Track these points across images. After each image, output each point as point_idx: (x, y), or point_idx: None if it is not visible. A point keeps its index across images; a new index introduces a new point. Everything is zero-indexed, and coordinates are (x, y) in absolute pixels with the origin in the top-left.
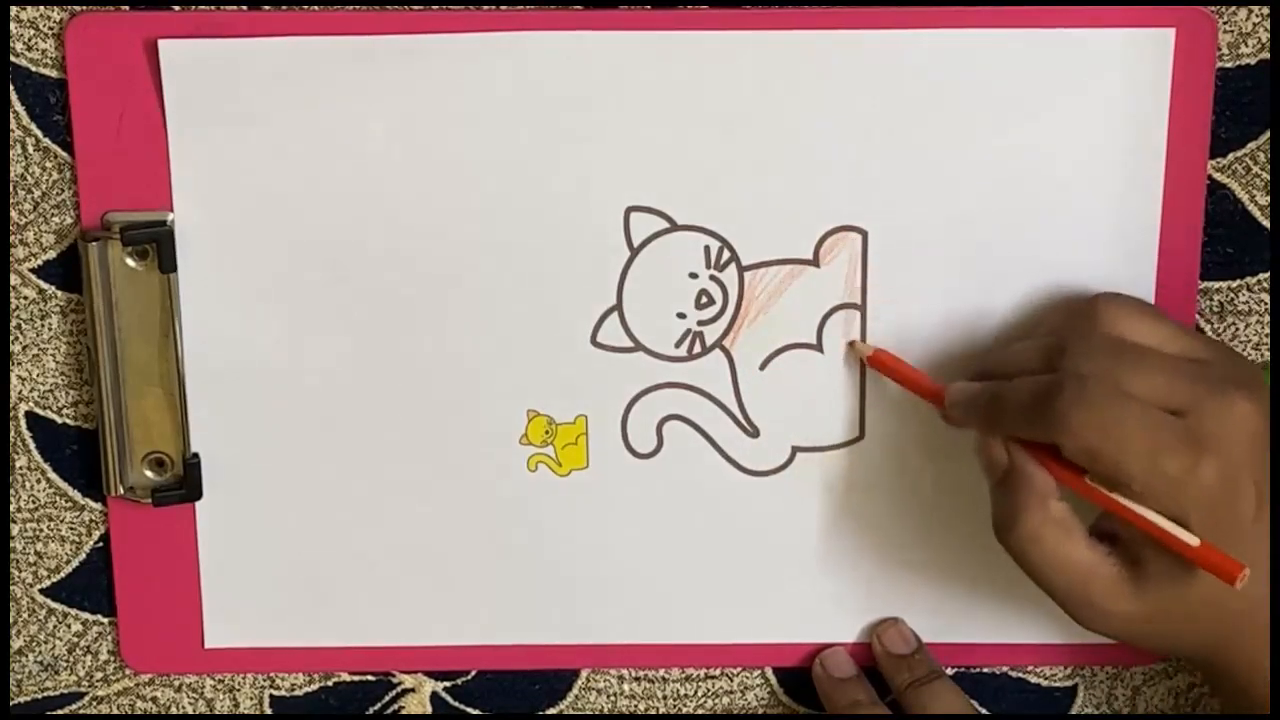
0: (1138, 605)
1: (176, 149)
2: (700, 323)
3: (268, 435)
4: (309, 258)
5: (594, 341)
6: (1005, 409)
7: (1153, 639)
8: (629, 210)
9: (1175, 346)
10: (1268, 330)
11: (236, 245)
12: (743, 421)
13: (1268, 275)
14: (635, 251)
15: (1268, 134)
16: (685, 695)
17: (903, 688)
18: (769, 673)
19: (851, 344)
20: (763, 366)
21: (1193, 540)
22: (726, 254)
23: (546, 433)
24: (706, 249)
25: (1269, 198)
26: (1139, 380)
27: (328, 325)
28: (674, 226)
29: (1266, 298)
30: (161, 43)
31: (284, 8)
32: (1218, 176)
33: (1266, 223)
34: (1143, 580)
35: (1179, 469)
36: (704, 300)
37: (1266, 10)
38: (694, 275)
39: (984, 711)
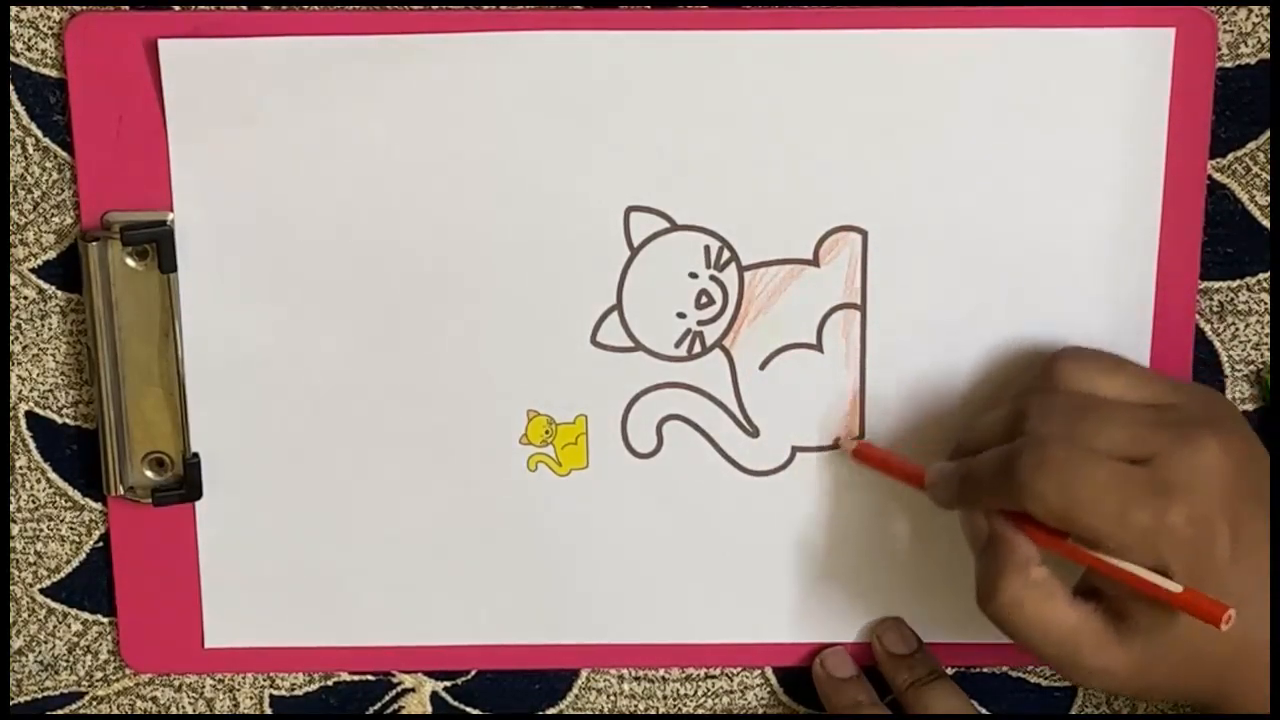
0: (1127, 659)
1: (176, 149)
2: (700, 322)
3: (268, 435)
4: (309, 257)
5: (594, 341)
6: (976, 483)
7: (1148, 690)
8: (629, 210)
9: (1138, 394)
10: (1268, 330)
11: (236, 245)
12: (743, 421)
13: (1268, 275)
14: (635, 251)
15: (1268, 134)
16: (685, 695)
17: (903, 688)
18: (769, 673)
19: (837, 440)
20: (763, 366)
21: (1175, 588)
22: (726, 254)
23: (546, 432)
24: (706, 249)
25: (1269, 198)
26: (1100, 435)
27: (328, 325)
28: (674, 226)
29: (1266, 298)
30: (161, 42)
31: (284, 8)
32: (1218, 176)
33: (1266, 223)
34: (1129, 633)
35: (1149, 519)
36: (704, 300)
37: (1266, 10)
38: (694, 275)
39: (984, 711)
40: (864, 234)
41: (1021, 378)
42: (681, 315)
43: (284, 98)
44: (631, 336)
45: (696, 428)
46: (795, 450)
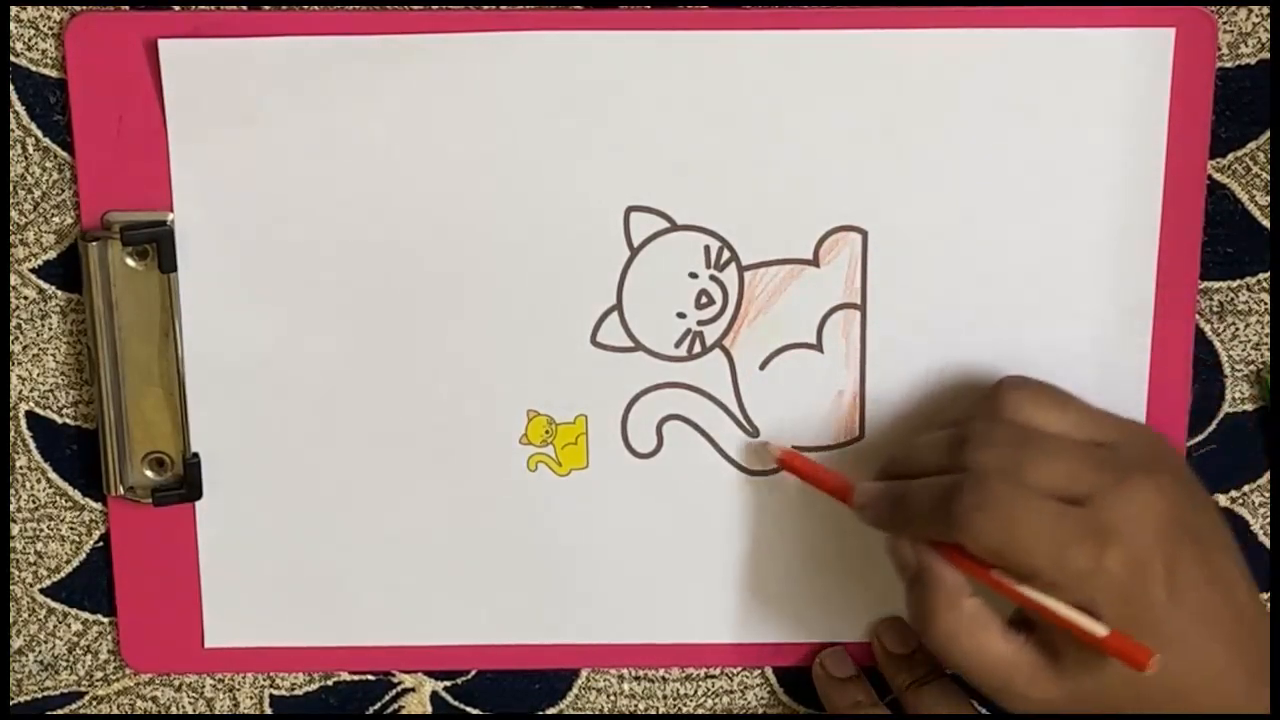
0: (1061, 692)
1: (176, 149)
2: (700, 322)
3: (267, 435)
4: (309, 257)
5: (594, 341)
6: (909, 513)
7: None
8: (629, 210)
9: (1080, 431)
10: (1268, 330)
11: (236, 245)
12: (742, 421)
13: (1268, 275)
14: (635, 251)
15: (1268, 134)
16: (685, 695)
17: (903, 688)
18: (769, 673)
19: (765, 444)
20: (763, 366)
21: (1100, 630)
22: (726, 254)
23: (546, 432)
24: (706, 249)
25: (1269, 198)
26: (1040, 472)
27: (328, 325)
28: (674, 226)
29: (1266, 298)
30: (161, 42)
31: (284, 8)
32: (1218, 176)
33: (1266, 223)
34: (1061, 668)
35: (1085, 562)
36: (704, 300)
37: (1266, 10)
38: (694, 275)
39: (984, 712)
40: (864, 234)
41: (962, 401)
42: (681, 315)
43: (284, 98)
44: (631, 336)
45: (696, 428)
46: (795, 450)
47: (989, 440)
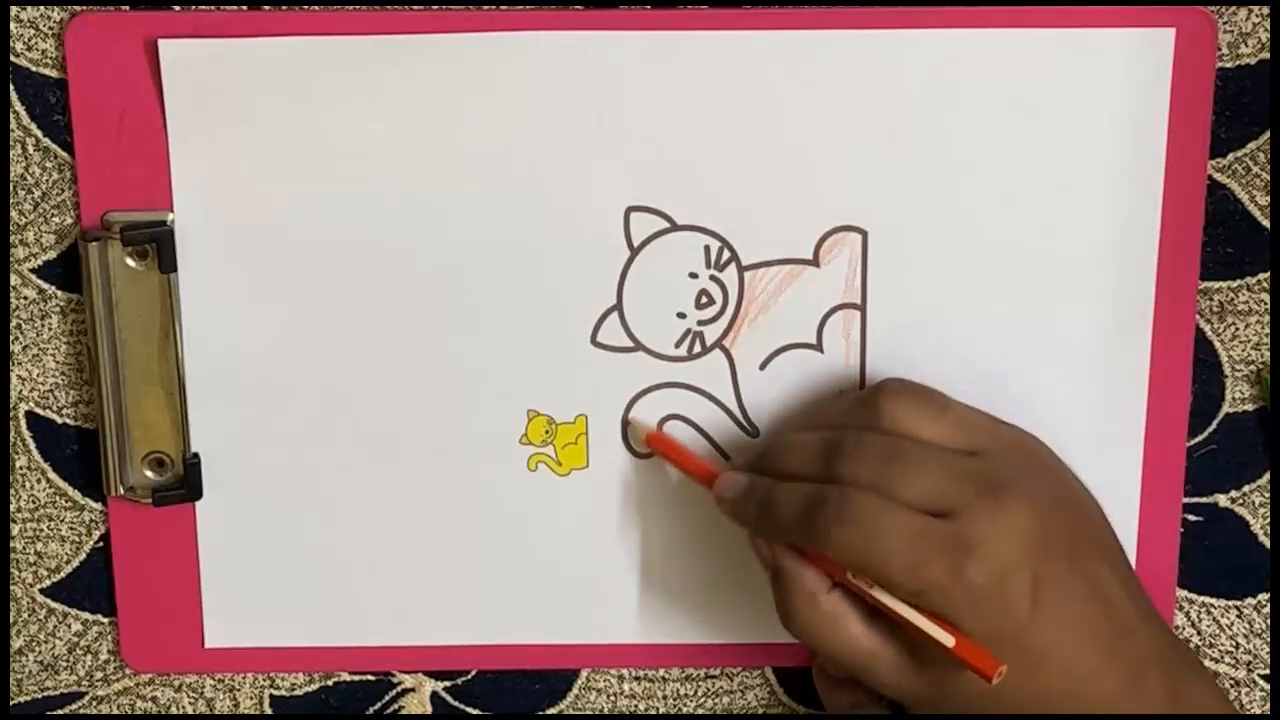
0: (923, 684)
1: (176, 149)
2: (700, 323)
3: (268, 435)
4: (309, 257)
5: (594, 341)
6: (773, 518)
7: (953, 712)
8: (629, 210)
9: (956, 439)
10: (1268, 330)
11: (236, 245)
12: (743, 421)
13: (1268, 275)
14: (635, 251)
15: (1268, 134)
16: (685, 695)
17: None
18: (769, 673)
19: (629, 423)
20: (763, 366)
21: (947, 640)
22: (726, 254)
23: (546, 432)
24: (706, 249)
25: (1269, 198)
26: (907, 485)
27: (328, 325)
28: (674, 226)
29: (1266, 298)
30: (161, 42)
31: (284, 8)
32: (1218, 176)
33: (1266, 223)
34: (921, 663)
35: (944, 576)
36: (704, 300)
37: (1266, 10)
38: (694, 275)
39: None
40: (864, 234)
41: (839, 403)
42: (681, 315)
43: (284, 98)
44: (631, 336)
45: (697, 428)
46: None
47: (860, 452)
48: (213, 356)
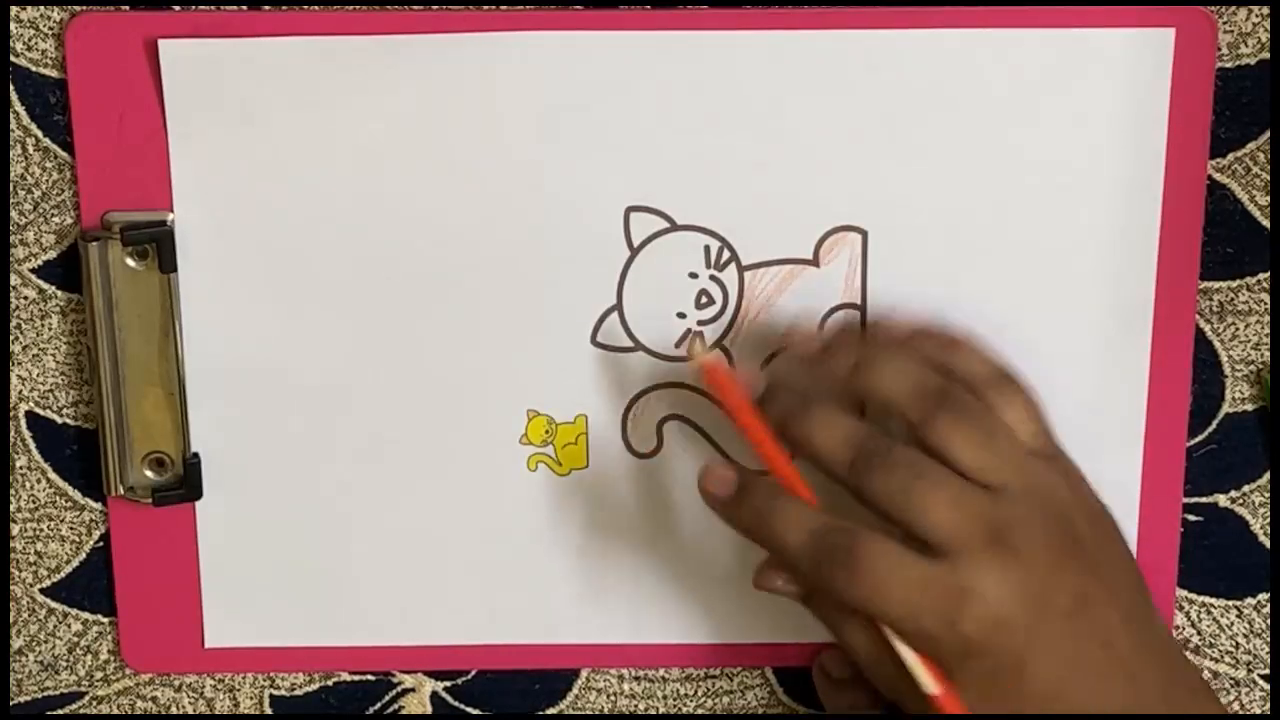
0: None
1: (176, 149)
2: (700, 322)
3: (267, 435)
4: (309, 257)
5: (594, 341)
6: (771, 541)
7: None
8: (629, 210)
9: (985, 470)
10: (1268, 330)
11: (236, 245)
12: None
13: (1268, 275)
14: (635, 251)
15: (1268, 134)
16: (685, 695)
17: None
18: (769, 673)
19: (694, 335)
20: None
21: (931, 688)
22: (726, 254)
23: (546, 432)
24: (706, 249)
25: (1269, 198)
26: (923, 513)
27: (327, 325)
28: (674, 226)
29: (1266, 298)
30: (162, 42)
31: (284, 8)
32: (1218, 176)
33: (1266, 223)
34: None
35: (937, 625)
36: (704, 300)
37: (1266, 10)
38: (694, 275)
39: None
40: (864, 234)
41: (901, 364)
42: (682, 315)
43: (284, 98)
44: (631, 336)
45: (697, 427)
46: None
47: (888, 468)
48: (213, 356)
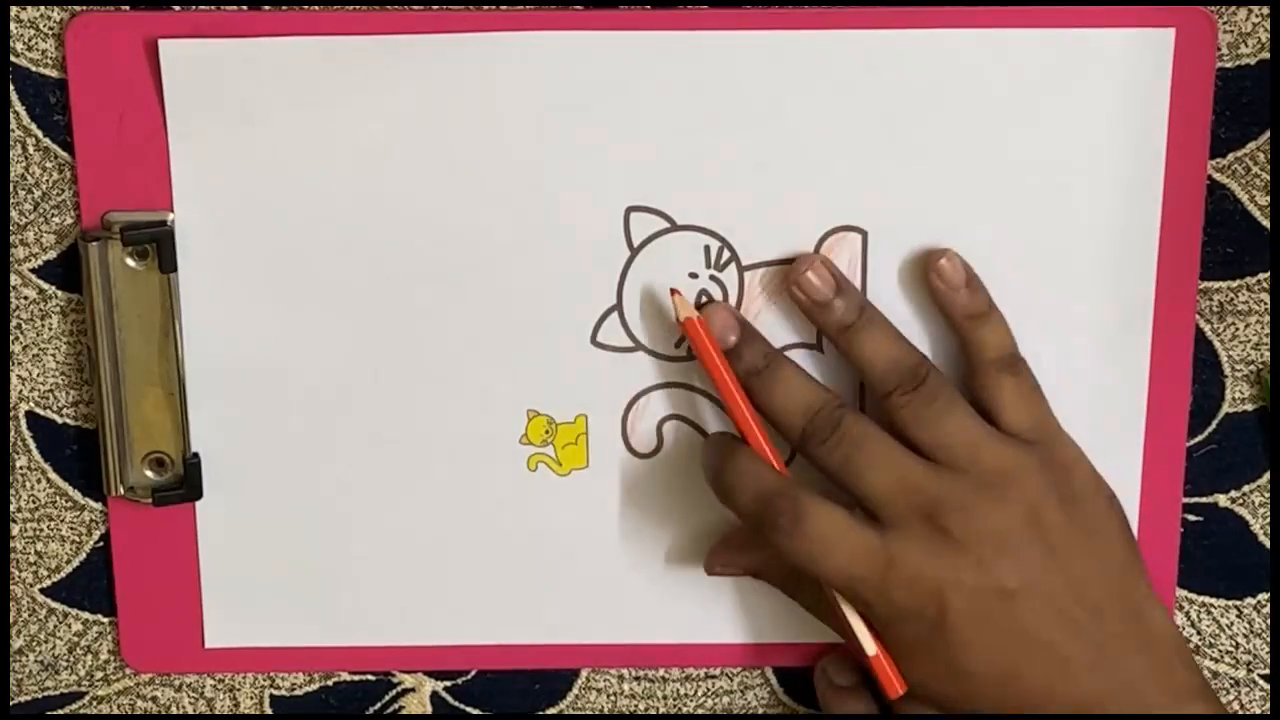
0: None
1: (176, 149)
2: None
3: (268, 435)
4: (309, 257)
5: (594, 341)
6: (724, 494)
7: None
8: (629, 210)
9: (940, 452)
10: (1268, 330)
11: (236, 245)
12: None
13: (1268, 275)
14: (635, 251)
15: (1268, 134)
16: (685, 695)
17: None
18: (769, 673)
19: (675, 294)
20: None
21: (870, 648)
22: (726, 254)
23: (546, 432)
24: (706, 249)
25: (1269, 198)
26: (861, 480)
27: (327, 325)
28: (674, 226)
29: (1266, 298)
30: (162, 42)
31: (284, 8)
32: (1218, 176)
33: (1266, 223)
34: None
35: (870, 591)
36: (704, 300)
37: (1266, 10)
38: (694, 275)
39: None
40: (864, 234)
41: (891, 345)
42: None
43: (284, 98)
44: (631, 336)
45: (697, 427)
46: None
47: (835, 439)
48: (213, 356)
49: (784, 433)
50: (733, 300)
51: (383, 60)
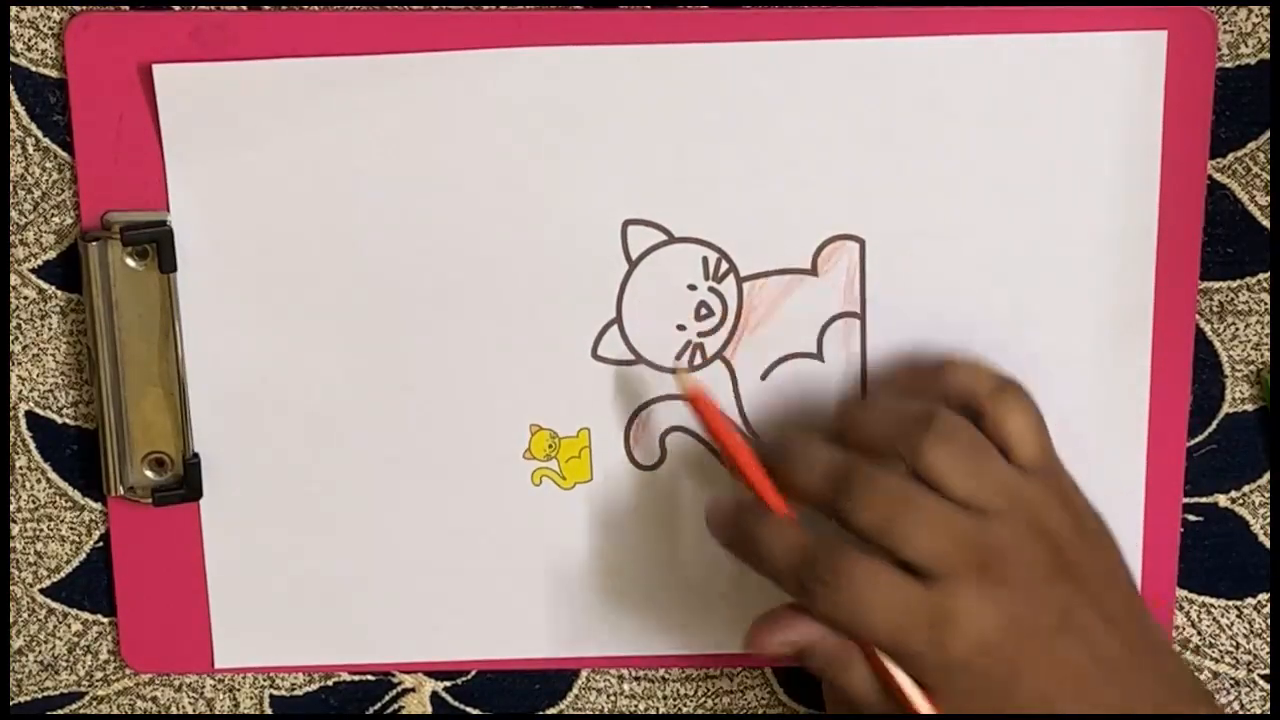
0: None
1: (173, 168)
2: (700, 334)
3: (269, 439)
4: (308, 277)
5: (595, 355)
6: (758, 559)
7: None
8: (626, 223)
9: (975, 497)
10: (1268, 330)
11: (236, 257)
12: (745, 432)
13: (1268, 275)
14: (634, 264)
15: (1268, 134)
16: (685, 695)
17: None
18: (769, 673)
19: (676, 371)
20: (764, 377)
21: (925, 708)
22: (725, 265)
23: (550, 446)
24: (704, 260)
25: (1269, 198)
26: (907, 542)
27: (328, 343)
28: (672, 239)
29: (1266, 298)
30: (156, 68)
31: (284, 8)
32: (1218, 176)
33: (1266, 223)
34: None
35: (923, 645)
36: (703, 312)
37: (1266, 10)
38: (693, 287)
39: None
40: (861, 242)
41: (882, 411)
42: (681, 327)
43: (281, 118)
44: (632, 349)
45: (699, 439)
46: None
47: (869, 497)
48: (213, 356)
49: (815, 505)
50: (732, 311)
51: (377, 79)
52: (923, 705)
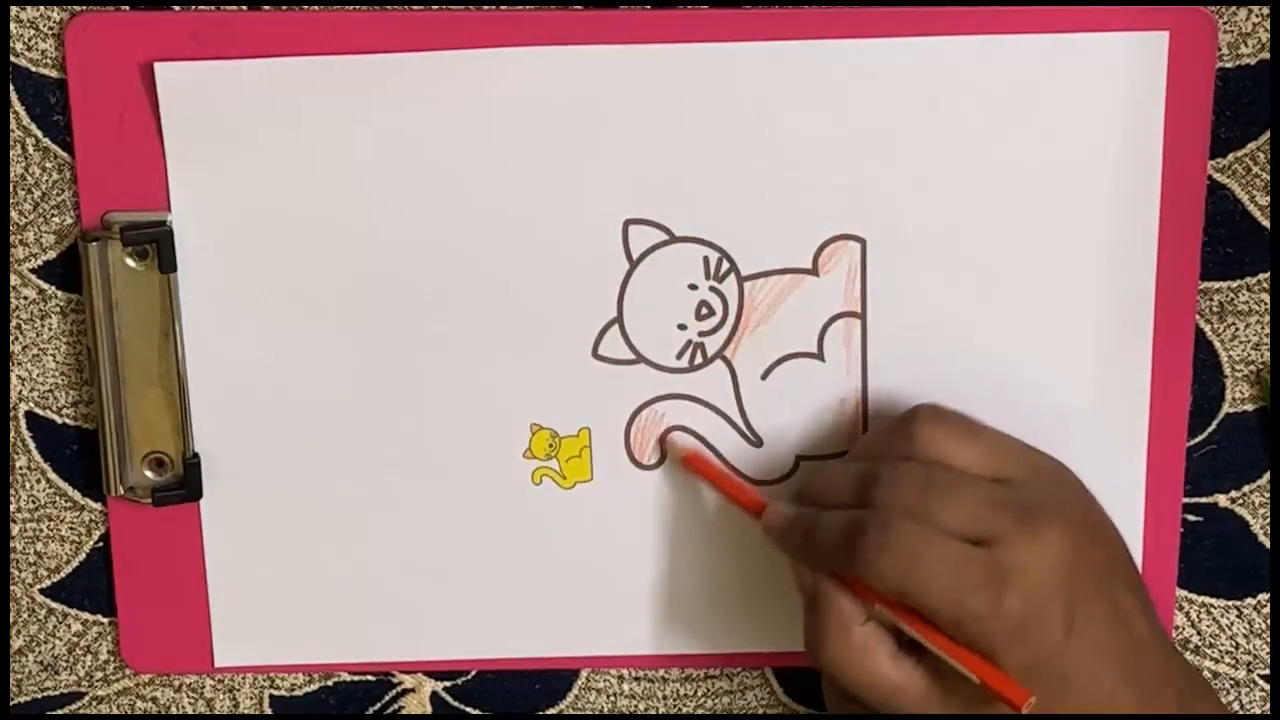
0: (948, 711)
1: (174, 167)
2: (701, 334)
3: (269, 439)
4: (309, 277)
5: (595, 354)
6: (816, 546)
7: None
8: (627, 223)
9: (989, 466)
10: (1268, 330)
11: (237, 257)
12: (745, 431)
13: (1268, 275)
14: (634, 264)
15: (1268, 134)
16: (685, 695)
17: None
18: (769, 673)
19: (668, 442)
20: (764, 376)
21: (982, 671)
22: (725, 265)
23: (550, 446)
24: (705, 260)
25: (1269, 198)
26: (946, 513)
27: (328, 341)
28: (672, 238)
29: (1266, 298)
30: (158, 66)
31: (283, 8)
32: (1218, 176)
33: (1266, 223)
34: (948, 690)
35: (983, 604)
36: (704, 311)
37: (1266, 10)
38: (693, 286)
39: None
40: (862, 242)
41: (874, 430)
42: (682, 327)
43: (281, 117)
44: (633, 349)
45: (700, 438)
46: (799, 459)
47: (896, 480)
48: (213, 356)
49: (843, 494)
50: (733, 311)
51: (377, 79)
52: (980, 668)
